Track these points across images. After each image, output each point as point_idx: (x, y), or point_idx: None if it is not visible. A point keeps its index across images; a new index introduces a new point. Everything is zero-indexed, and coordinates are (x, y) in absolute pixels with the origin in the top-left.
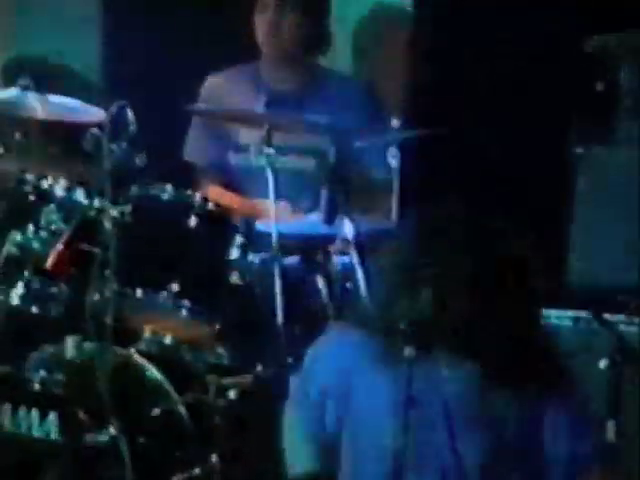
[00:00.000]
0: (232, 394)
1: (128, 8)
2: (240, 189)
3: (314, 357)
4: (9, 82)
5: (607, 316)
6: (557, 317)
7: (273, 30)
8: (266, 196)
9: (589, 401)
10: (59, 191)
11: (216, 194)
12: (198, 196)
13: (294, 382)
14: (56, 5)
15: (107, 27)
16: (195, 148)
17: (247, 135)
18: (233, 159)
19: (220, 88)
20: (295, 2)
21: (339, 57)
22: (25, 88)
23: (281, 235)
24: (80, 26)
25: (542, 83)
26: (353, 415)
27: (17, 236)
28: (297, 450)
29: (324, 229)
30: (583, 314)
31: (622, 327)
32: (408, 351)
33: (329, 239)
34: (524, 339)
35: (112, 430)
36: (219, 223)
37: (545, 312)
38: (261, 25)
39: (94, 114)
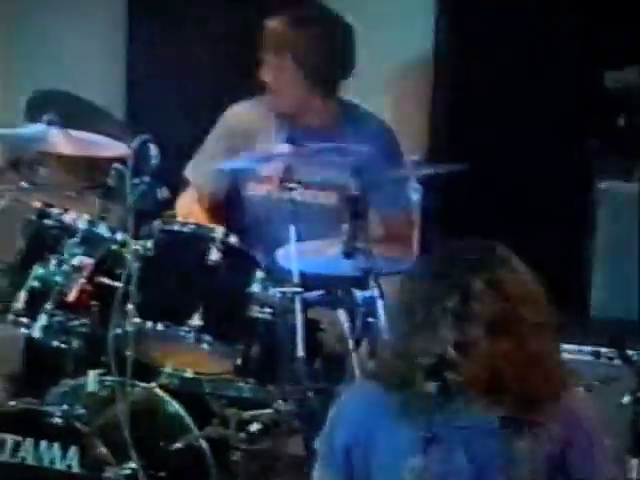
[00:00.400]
0: (253, 428)
1: (152, 41)
2: (256, 221)
3: (336, 415)
4: (33, 117)
5: (629, 352)
6: (579, 352)
7: (268, 84)
8: (284, 229)
9: (612, 438)
10: (82, 225)
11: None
12: (220, 230)
13: (320, 442)
14: (80, 39)
15: (130, 61)
16: (203, 171)
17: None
18: (250, 190)
19: (242, 118)
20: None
21: (364, 94)
22: (50, 123)
23: (302, 272)
24: (104, 60)
25: (564, 119)
26: (377, 470)
27: (39, 269)
28: None
29: (345, 265)
30: (605, 349)
31: None
32: (428, 386)
33: (350, 275)
34: (545, 377)
35: (133, 464)
36: (240, 257)
37: (567, 347)
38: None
39: (117, 148)
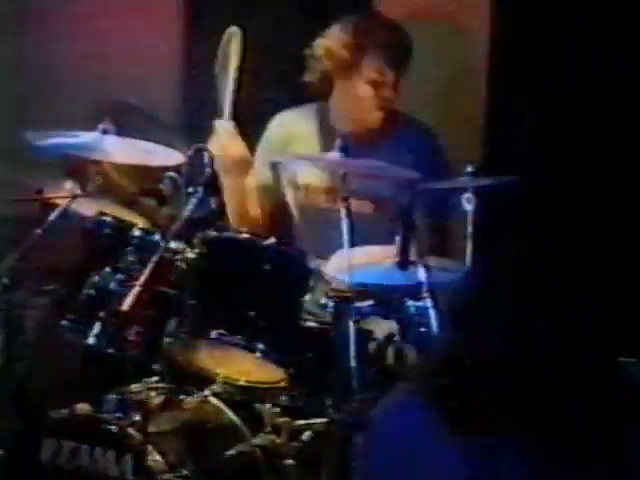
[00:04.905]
0: (305, 437)
1: (205, 52)
2: (304, 230)
3: (378, 420)
4: (91, 125)
5: None
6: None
7: (380, 102)
8: (330, 237)
9: None
10: (136, 233)
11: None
12: (273, 239)
13: (360, 446)
14: (136, 51)
15: (185, 71)
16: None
17: (307, 173)
18: (293, 197)
19: (289, 127)
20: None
21: (415, 103)
22: (105, 132)
23: (355, 283)
24: (159, 70)
25: (621, 133)
26: None
27: (94, 277)
28: None
29: (398, 276)
30: None
31: None
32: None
33: (403, 285)
34: (607, 392)
35: (186, 472)
36: (293, 266)
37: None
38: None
39: (172, 157)
